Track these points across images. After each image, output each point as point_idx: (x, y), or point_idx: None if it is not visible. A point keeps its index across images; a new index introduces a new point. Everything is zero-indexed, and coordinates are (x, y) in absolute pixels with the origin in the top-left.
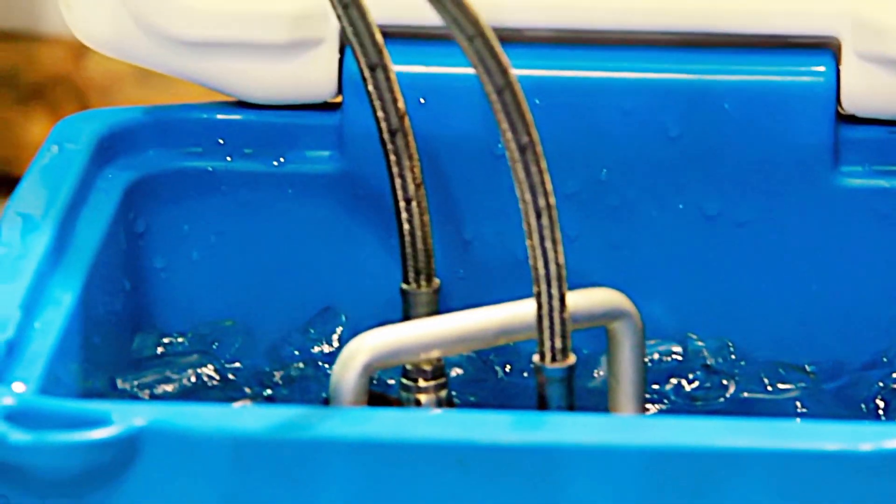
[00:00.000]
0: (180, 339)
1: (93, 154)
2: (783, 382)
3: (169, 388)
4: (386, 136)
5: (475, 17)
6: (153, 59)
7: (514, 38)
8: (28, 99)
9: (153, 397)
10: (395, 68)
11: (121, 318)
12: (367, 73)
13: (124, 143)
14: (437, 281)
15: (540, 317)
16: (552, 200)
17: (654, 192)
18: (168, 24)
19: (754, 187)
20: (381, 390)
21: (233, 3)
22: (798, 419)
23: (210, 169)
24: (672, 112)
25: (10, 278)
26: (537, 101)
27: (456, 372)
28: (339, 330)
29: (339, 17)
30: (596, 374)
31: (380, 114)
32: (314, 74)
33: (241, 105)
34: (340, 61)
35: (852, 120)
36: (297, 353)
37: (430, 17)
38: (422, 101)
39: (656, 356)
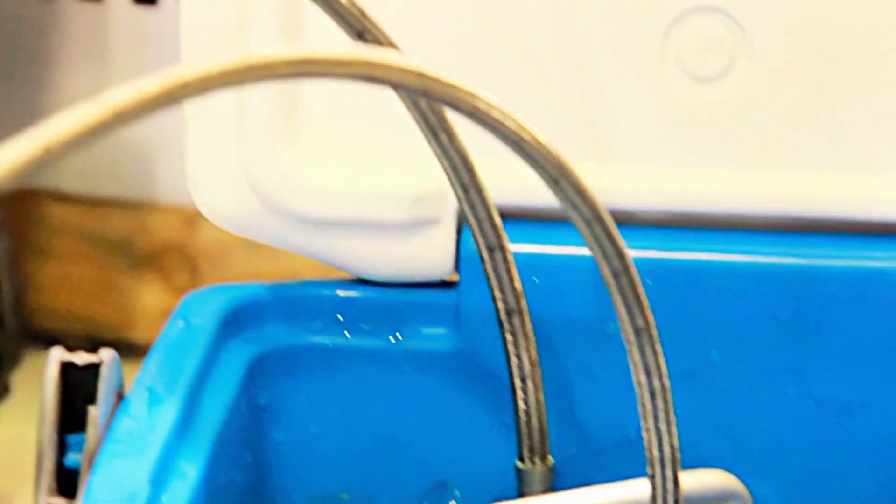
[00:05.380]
0: None
1: (218, 328)
2: None
3: None
4: (503, 316)
5: (594, 201)
6: (277, 237)
7: (626, 221)
8: (141, 265)
9: None
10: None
11: (242, 490)
12: (485, 255)
13: (248, 317)
14: (551, 459)
15: (654, 497)
16: (667, 382)
17: (765, 375)
18: (294, 204)
19: (865, 371)
20: None
21: (355, 184)
22: None
23: (329, 344)
24: (782, 295)
25: (139, 452)
26: (649, 282)
27: None
28: None
29: (458, 200)
30: None
31: (497, 294)
32: (432, 252)
33: (359, 281)
34: (457, 240)
35: None
36: None
37: (547, 199)
38: (535, 280)
39: None
